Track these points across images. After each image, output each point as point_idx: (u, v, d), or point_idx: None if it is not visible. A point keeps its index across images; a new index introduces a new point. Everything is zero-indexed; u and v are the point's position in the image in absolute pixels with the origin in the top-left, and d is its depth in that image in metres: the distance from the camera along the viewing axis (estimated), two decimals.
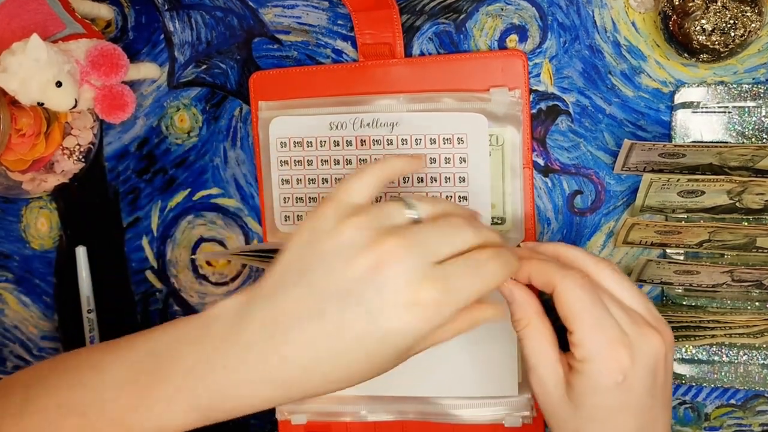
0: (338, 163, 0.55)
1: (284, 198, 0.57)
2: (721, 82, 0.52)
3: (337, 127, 0.55)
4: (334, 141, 0.55)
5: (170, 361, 0.38)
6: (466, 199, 0.53)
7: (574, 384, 0.40)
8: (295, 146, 0.56)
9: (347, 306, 0.36)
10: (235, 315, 0.38)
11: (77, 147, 0.59)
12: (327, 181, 0.55)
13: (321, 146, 0.55)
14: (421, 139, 0.53)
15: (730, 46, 0.47)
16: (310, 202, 0.56)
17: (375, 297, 0.36)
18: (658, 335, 0.40)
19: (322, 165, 0.55)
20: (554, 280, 0.40)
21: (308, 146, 0.55)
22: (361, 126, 0.54)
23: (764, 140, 0.51)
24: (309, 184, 0.56)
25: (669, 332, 0.41)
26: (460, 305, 0.37)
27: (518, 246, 0.54)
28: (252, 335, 0.37)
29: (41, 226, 0.64)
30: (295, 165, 0.56)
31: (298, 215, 0.56)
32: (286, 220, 0.57)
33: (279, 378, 0.37)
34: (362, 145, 0.54)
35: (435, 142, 0.53)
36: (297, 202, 0.56)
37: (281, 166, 0.56)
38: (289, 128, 0.56)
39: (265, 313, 0.37)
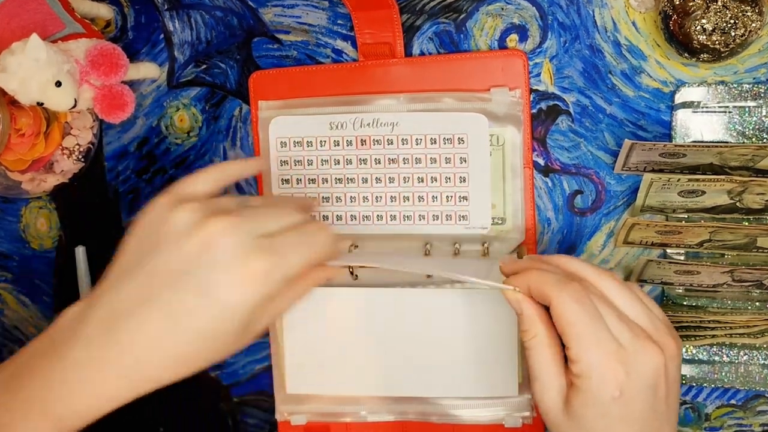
0: (338, 162, 0.55)
1: None
2: (722, 82, 0.52)
3: (337, 127, 0.55)
4: (334, 141, 0.55)
5: (26, 376, 0.39)
6: (467, 199, 0.53)
7: (573, 398, 0.40)
8: (295, 146, 0.56)
9: (181, 286, 0.37)
10: (76, 318, 0.39)
11: (77, 147, 0.59)
12: (327, 181, 0.55)
13: (321, 146, 0.55)
14: (421, 139, 0.53)
15: (731, 46, 0.47)
16: None
17: (207, 273, 0.37)
18: (657, 348, 0.39)
19: (322, 165, 0.55)
20: (551, 294, 0.40)
21: (308, 146, 0.55)
22: (361, 126, 0.54)
23: (765, 140, 0.51)
24: (309, 183, 0.56)
25: (672, 344, 0.40)
26: (289, 273, 0.39)
27: (519, 246, 0.54)
28: (91, 331, 0.38)
29: (41, 226, 0.64)
30: (295, 165, 0.56)
31: None
32: None
33: (121, 367, 0.38)
34: (362, 144, 0.54)
35: (435, 142, 0.53)
36: None
37: (281, 165, 0.56)
38: (289, 128, 0.56)
39: (104, 309, 0.38)
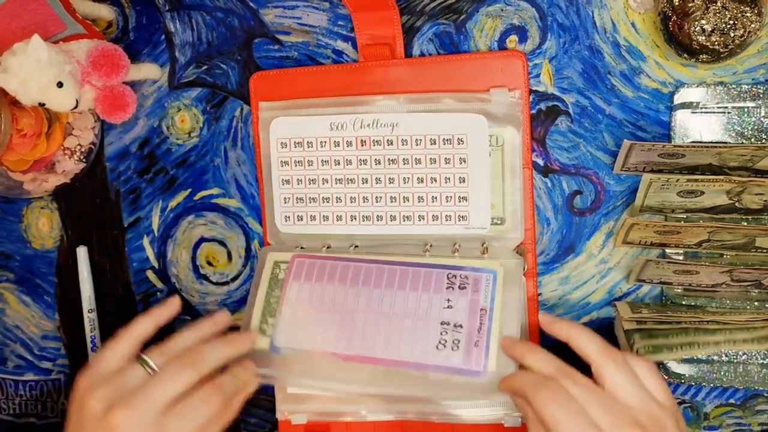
0: (338, 163, 0.55)
1: (285, 198, 0.57)
2: (721, 83, 0.52)
3: (337, 128, 0.55)
4: (335, 141, 0.55)
5: None
6: (466, 200, 0.53)
7: None
8: (295, 146, 0.56)
9: None
10: None
11: (78, 147, 0.59)
12: (327, 182, 0.56)
13: (321, 147, 0.55)
14: (421, 140, 0.54)
15: (730, 47, 0.47)
16: (310, 202, 0.56)
17: None
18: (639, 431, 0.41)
19: (323, 165, 0.55)
20: (531, 398, 0.43)
21: (309, 146, 0.56)
22: (361, 126, 0.54)
23: (763, 140, 0.52)
24: (309, 184, 0.56)
25: (663, 418, 0.42)
26: None
27: (518, 246, 0.54)
28: None
29: (42, 226, 0.64)
30: (296, 165, 0.56)
31: (298, 215, 0.56)
32: (286, 220, 0.57)
33: None
34: (362, 145, 0.54)
35: (435, 142, 0.53)
36: (297, 202, 0.56)
37: (282, 166, 0.56)
38: (290, 129, 0.56)
39: None
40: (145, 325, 0.50)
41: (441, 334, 0.52)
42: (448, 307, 0.53)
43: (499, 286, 0.53)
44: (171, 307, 0.52)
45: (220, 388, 0.47)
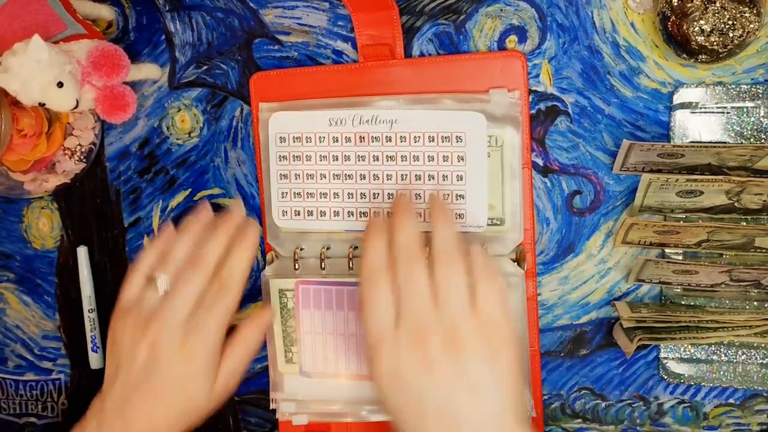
0: (337, 159, 0.55)
1: (282, 193, 0.57)
2: (720, 83, 0.52)
3: (336, 124, 0.55)
4: (333, 137, 0.55)
5: None
6: (463, 198, 0.53)
7: None
8: (294, 141, 0.56)
9: (149, 387, 0.47)
10: (97, 408, 0.49)
11: (78, 147, 0.59)
12: (325, 177, 0.55)
13: (320, 142, 0.55)
14: (419, 137, 0.54)
15: (729, 47, 0.47)
16: (308, 197, 0.56)
17: (165, 369, 0.47)
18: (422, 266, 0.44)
19: (321, 160, 0.55)
20: (361, 272, 0.46)
21: (307, 141, 0.55)
22: (360, 123, 0.54)
23: (762, 140, 0.52)
24: (307, 179, 0.56)
25: (470, 340, 0.42)
26: (215, 337, 0.47)
27: (518, 247, 0.54)
28: (108, 415, 0.48)
29: (42, 226, 0.64)
30: (294, 160, 0.56)
31: (295, 210, 0.56)
32: (283, 215, 0.57)
33: None
34: (361, 141, 0.54)
35: (433, 139, 0.53)
36: (295, 197, 0.56)
37: (280, 161, 0.56)
38: (289, 123, 0.56)
39: (109, 402, 0.48)
40: (150, 254, 0.51)
41: None
42: None
43: None
44: (166, 232, 0.52)
45: (230, 275, 0.49)
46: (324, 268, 0.55)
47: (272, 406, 0.59)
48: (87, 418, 0.49)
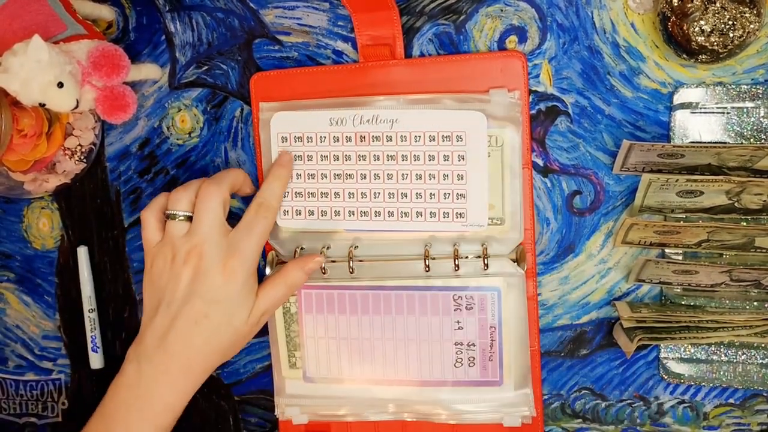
0: (337, 158, 0.55)
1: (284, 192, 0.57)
2: (720, 83, 0.52)
3: (337, 123, 0.55)
4: (334, 137, 0.55)
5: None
6: (464, 197, 0.53)
7: None
8: (295, 141, 0.56)
9: (192, 308, 0.49)
10: (135, 351, 0.51)
11: (79, 147, 0.59)
12: (326, 177, 0.56)
13: (321, 141, 0.55)
14: (420, 136, 0.54)
15: (729, 47, 0.47)
16: (309, 196, 0.56)
17: (206, 291, 0.49)
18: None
19: (322, 160, 0.55)
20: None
21: (308, 141, 0.56)
22: (360, 122, 0.54)
23: (762, 141, 0.52)
24: (308, 179, 0.56)
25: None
26: (253, 259, 0.50)
27: (518, 247, 0.54)
28: (150, 353, 0.50)
29: (43, 226, 0.64)
30: (295, 160, 0.56)
31: (296, 210, 0.56)
32: (284, 215, 0.57)
33: (180, 367, 0.49)
34: (362, 141, 0.54)
35: (434, 139, 0.53)
36: (296, 196, 0.56)
37: None
38: (290, 123, 0.56)
39: (149, 337, 0.50)
40: (158, 199, 0.53)
41: (456, 353, 0.55)
42: (458, 328, 0.55)
43: (504, 302, 0.54)
44: (160, 198, 0.54)
45: (270, 196, 0.52)
46: (325, 272, 0.56)
47: (277, 411, 0.59)
48: (124, 365, 0.50)
